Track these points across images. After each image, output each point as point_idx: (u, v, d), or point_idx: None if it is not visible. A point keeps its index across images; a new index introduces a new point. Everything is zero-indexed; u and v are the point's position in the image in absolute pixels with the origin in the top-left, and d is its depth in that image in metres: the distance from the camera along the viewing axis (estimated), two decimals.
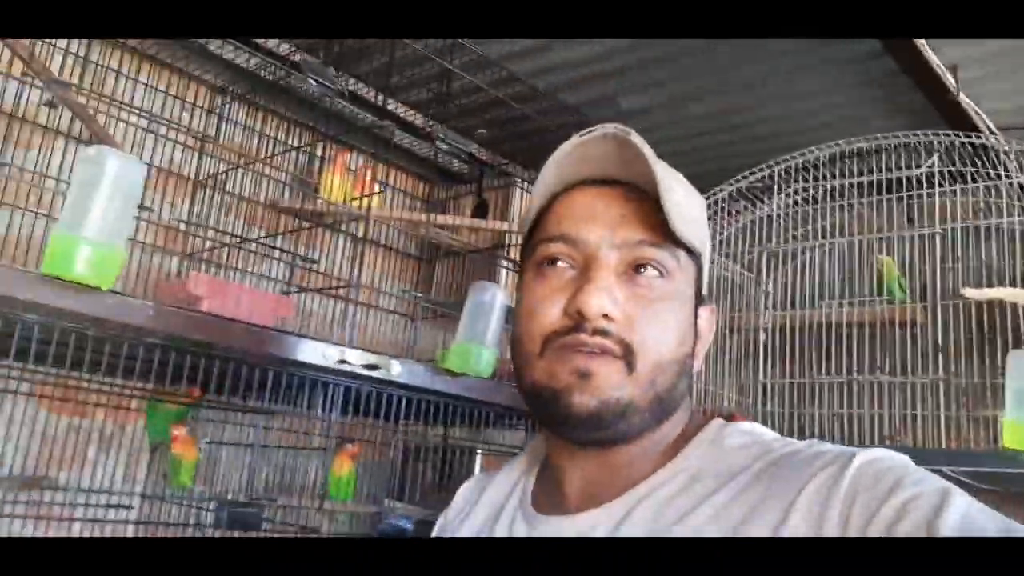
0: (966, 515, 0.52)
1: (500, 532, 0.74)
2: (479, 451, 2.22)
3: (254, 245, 2.01)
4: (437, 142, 2.04)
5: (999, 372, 1.57)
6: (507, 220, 2.22)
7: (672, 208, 0.64)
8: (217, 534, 1.27)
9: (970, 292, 1.68)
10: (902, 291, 1.97)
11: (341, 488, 1.90)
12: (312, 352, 1.38)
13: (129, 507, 1.81)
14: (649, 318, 0.65)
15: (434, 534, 0.86)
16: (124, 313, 1.16)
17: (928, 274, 1.79)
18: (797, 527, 0.56)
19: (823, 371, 1.88)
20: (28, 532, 1.66)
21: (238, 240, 1.88)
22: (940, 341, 1.73)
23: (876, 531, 0.53)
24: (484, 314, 1.58)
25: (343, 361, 1.41)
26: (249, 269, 2.00)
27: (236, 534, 1.31)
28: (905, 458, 0.59)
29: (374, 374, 1.47)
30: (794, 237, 2.02)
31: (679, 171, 0.71)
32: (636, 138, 0.65)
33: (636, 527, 0.64)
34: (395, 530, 1.49)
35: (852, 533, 0.54)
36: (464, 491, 0.87)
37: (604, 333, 0.63)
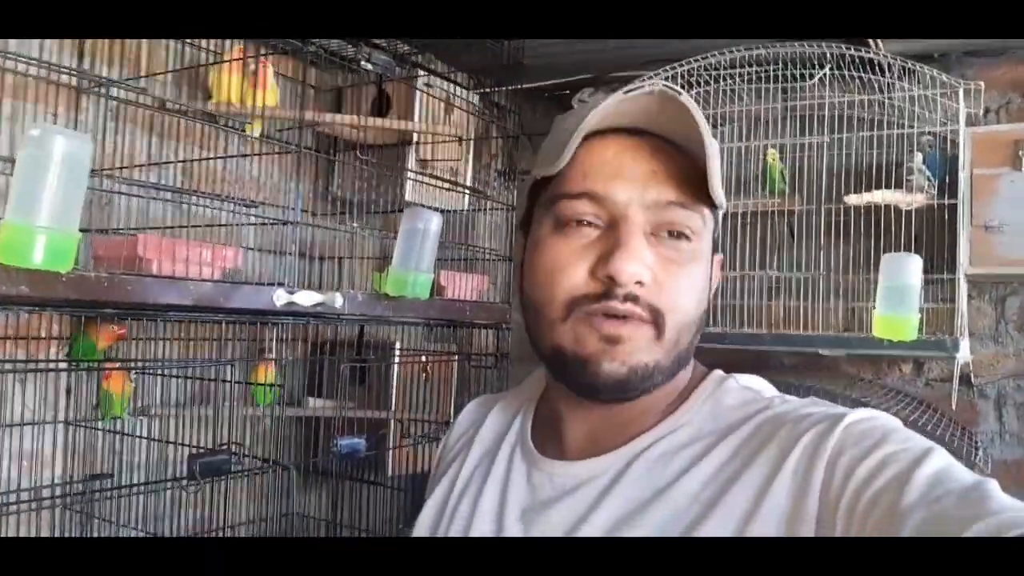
0: (942, 469, 0.53)
1: (498, 470, 0.74)
2: (396, 344, 2.30)
3: (152, 157, 1.90)
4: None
5: (872, 270, 1.80)
6: (411, 120, 2.18)
7: (714, 173, 0.62)
8: (193, 485, 1.31)
9: (851, 199, 1.87)
10: (783, 180, 2.15)
11: (264, 395, 1.95)
12: (263, 298, 1.39)
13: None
14: (677, 282, 0.64)
15: (436, 459, 0.87)
16: (81, 291, 1.13)
17: (814, 180, 1.97)
18: (784, 485, 0.58)
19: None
20: None
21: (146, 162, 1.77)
22: (823, 241, 1.94)
23: (856, 484, 0.54)
24: (419, 241, 1.61)
25: (291, 303, 1.43)
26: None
27: (207, 481, 1.35)
28: (895, 420, 0.60)
29: (318, 309, 1.50)
30: None
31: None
32: (687, 99, 0.61)
33: (634, 481, 0.64)
34: (350, 449, 1.57)
35: (834, 488, 0.55)
36: (466, 415, 0.87)
37: (634, 299, 0.62)
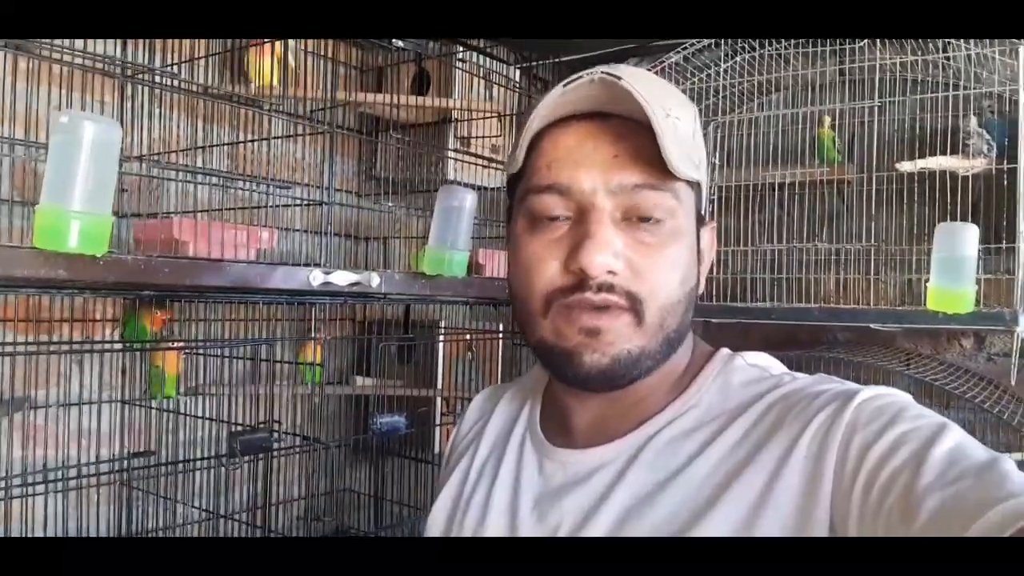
0: (957, 447, 0.52)
1: (510, 459, 0.74)
2: (441, 323, 2.32)
3: (196, 142, 1.94)
4: None
5: (926, 239, 1.72)
6: (450, 97, 2.18)
7: (672, 149, 0.60)
8: (233, 463, 1.35)
9: (904, 166, 1.79)
10: (839, 154, 2.07)
11: (313, 373, 1.99)
12: (299, 278, 1.41)
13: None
14: (653, 264, 0.62)
15: (447, 451, 0.87)
16: (117, 273, 1.16)
17: (865, 147, 1.89)
18: (797, 466, 0.57)
19: (763, 239, 2.01)
20: (29, 456, 1.70)
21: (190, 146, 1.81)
22: (873, 212, 1.87)
23: (870, 465, 0.53)
24: (454, 219, 1.61)
25: (327, 283, 1.45)
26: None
27: (248, 459, 1.39)
28: (907, 396, 0.60)
29: (355, 289, 1.51)
30: (739, 105, 2.07)
31: None
32: (627, 82, 0.60)
33: (645, 467, 0.64)
34: (389, 427, 1.59)
35: (848, 470, 0.54)
36: (474, 407, 0.87)
37: (609, 288, 0.61)
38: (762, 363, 0.69)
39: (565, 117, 0.64)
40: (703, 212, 0.69)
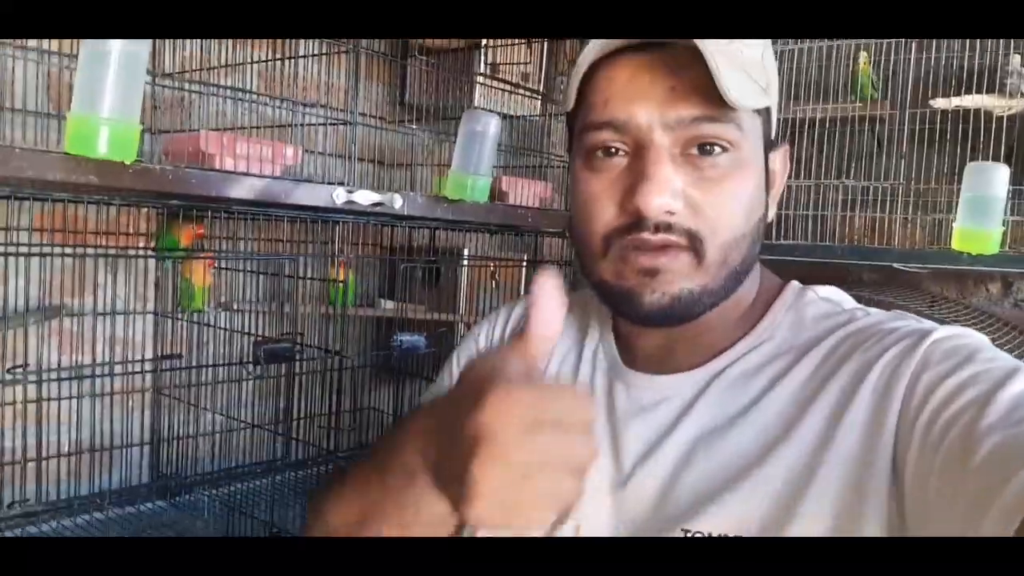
0: None
1: (583, 375, 0.73)
2: (465, 250, 2.34)
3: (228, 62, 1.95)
4: None
5: (956, 179, 1.70)
6: None
7: (729, 80, 0.57)
8: (257, 371, 1.40)
9: (939, 102, 1.75)
10: (874, 89, 2.03)
11: (339, 295, 2.04)
12: (322, 196, 1.44)
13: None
14: (714, 200, 0.61)
15: (491, 333, 0.83)
16: (146, 181, 1.19)
17: (900, 83, 1.85)
18: (864, 401, 0.57)
19: (794, 175, 1.99)
20: (64, 359, 1.78)
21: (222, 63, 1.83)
22: (905, 150, 1.84)
23: (936, 403, 0.53)
24: (477, 144, 1.61)
25: (351, 202, 1.48)
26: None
27: (274, 368, 1.44)
28: (983, 338, 0.59)
29: (378, 209, 1.54)
30: (775, 39, 2.03)
31: None
32: None
33: (715, 399, 0.64)
34: (410, 345, 1.63)
35: (914, 406, 0.54)
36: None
37: (668, 227, 0.60)
38: (835, 297, 0.68)
39: (620, 49, 0.61)
40: (771, 135, 0.66)
